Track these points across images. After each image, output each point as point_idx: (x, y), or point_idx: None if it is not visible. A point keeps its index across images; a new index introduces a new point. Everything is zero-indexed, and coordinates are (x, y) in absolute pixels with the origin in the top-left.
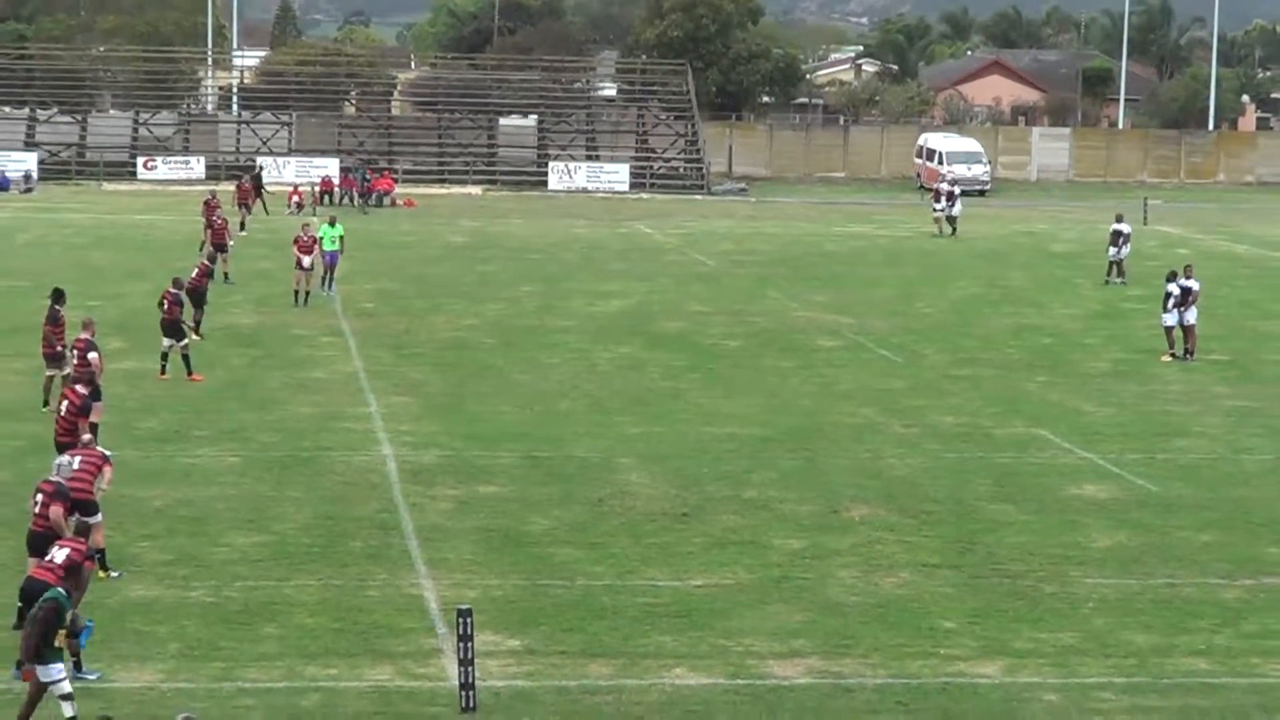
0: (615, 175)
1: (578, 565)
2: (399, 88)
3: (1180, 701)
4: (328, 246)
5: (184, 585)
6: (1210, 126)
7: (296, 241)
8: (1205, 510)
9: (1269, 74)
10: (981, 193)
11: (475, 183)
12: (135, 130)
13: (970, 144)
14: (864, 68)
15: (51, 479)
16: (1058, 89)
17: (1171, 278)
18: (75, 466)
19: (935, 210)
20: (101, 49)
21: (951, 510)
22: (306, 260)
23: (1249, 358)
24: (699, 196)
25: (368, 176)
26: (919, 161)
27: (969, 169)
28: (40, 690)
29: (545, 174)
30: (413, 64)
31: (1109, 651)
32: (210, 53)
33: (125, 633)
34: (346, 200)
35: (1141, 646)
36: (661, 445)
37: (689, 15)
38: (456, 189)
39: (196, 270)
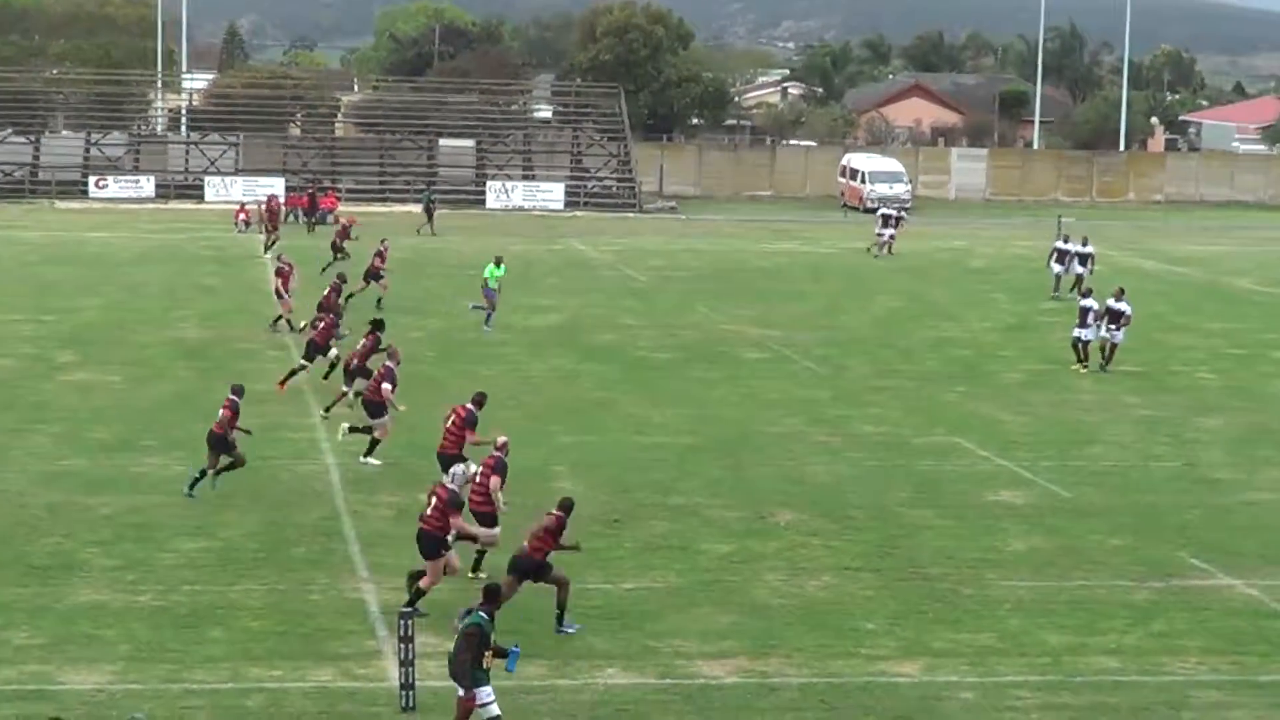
0: (550, 194)
1: None
2: (342, 110)
3: (1091, 699)
4: (492, 285)
5: (132, 590)
6: (1121, 147)
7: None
8: (1116, 515)
9: (1177, 97)
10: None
11: (416, 201)
12: (87, 150)
13: (892, 164)
14: (790, 91)
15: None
16: (976, 111)
17: (1086, 294)
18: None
19: (880, 235)
20: (55, 72)
21: (873, 515)
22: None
23: (1158, 368)
24: (631, 215)
25: (315, 195)
26: (843, 180)
27: (891, 188)
28: (469, 712)
29: (483, 193)
30: (356, 87)
31: (1024, 651)
32: (160, 76)
33: (75, 636)
34: (292, 218)
35: (1055, 646)
36: (594, 454)
37: (622, 40)
38: (397, 208)
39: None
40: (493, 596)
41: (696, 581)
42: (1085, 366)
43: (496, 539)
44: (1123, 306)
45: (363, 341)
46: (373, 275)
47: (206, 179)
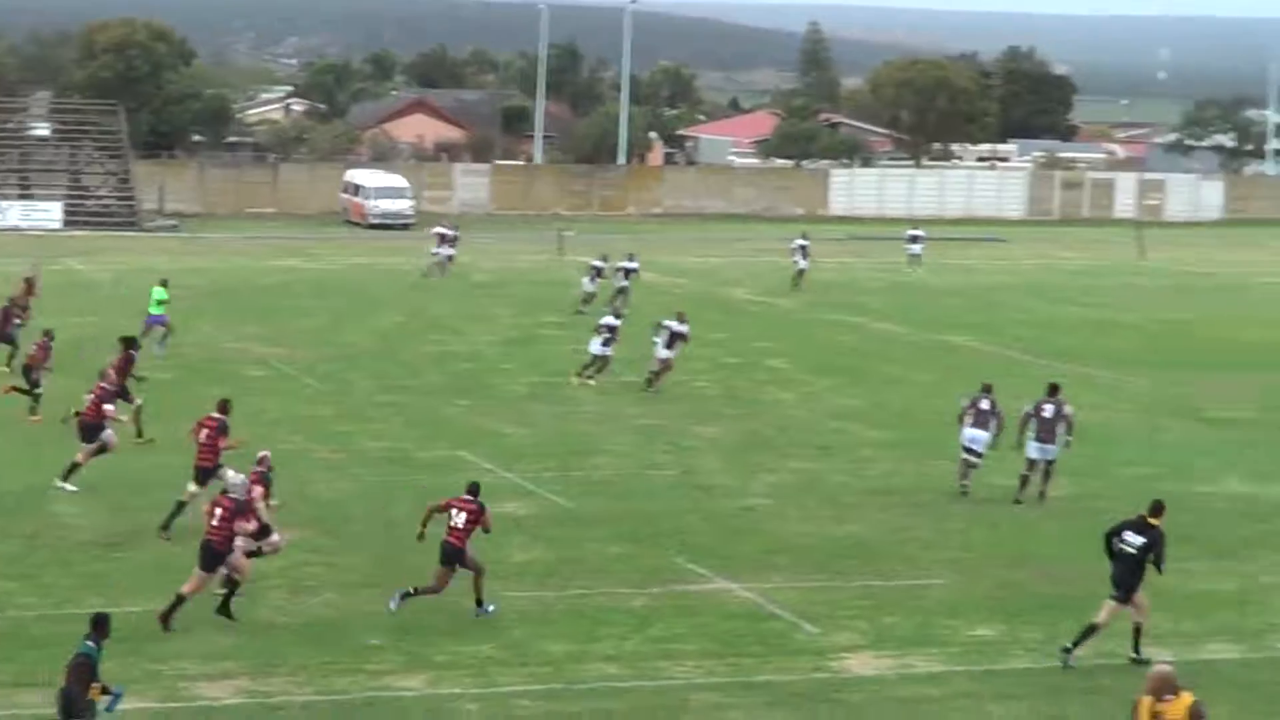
0: (48, 213)
1: (8, 597)
2: None
3: (592, 705)
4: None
5: None
6: (621, 161)
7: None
8: (616, 523)
9: (675, 112)
10: (405, 226)
11: None
12: None
13: (395, 179)
14: (294, 107)
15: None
16: (479, 127)
17: (616, 313)
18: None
19: (435, 254)
20: None
21: (376, 531)
22: None
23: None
24: (131, 233)
25: None
26: (345, 196)
27: (393, 203)
28: None
29: None
30: None
31: (526, 661)
32: None
33: None
34: None
35: (557, 655)
36: (95, 476)
37: (121, 57)
38: None
39: None
40: (101, 626)
41: (198, 603)
42: (589, 379)
43: (279, 545)
44: (683, 328)
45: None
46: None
47: None
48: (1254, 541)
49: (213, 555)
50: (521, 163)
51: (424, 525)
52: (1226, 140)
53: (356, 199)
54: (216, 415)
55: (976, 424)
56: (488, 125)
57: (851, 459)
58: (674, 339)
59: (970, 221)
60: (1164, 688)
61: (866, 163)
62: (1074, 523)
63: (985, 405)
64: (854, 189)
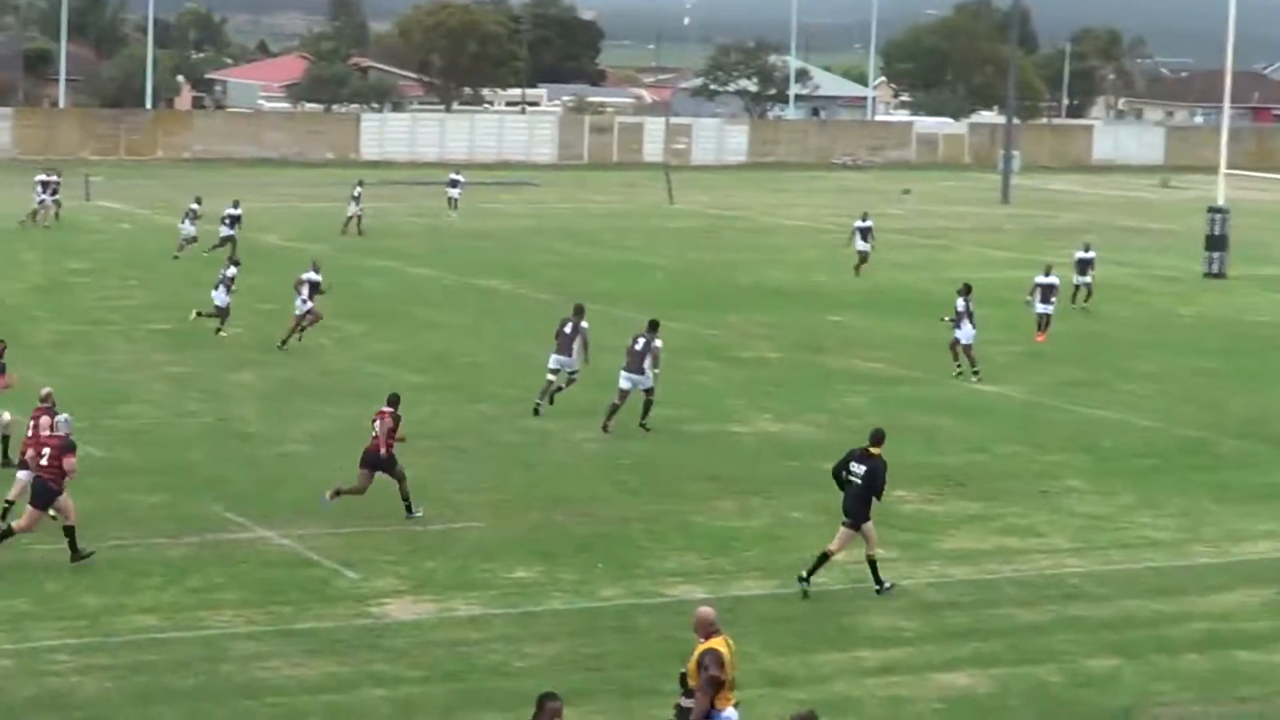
0: None
1: None
2: None
3: (130, 658)
4: None
5: None
6: (148, 105)
7: None
8: (152, 473)
9: (203, 55)
10: None
11: None
12: None
13: None
14: None
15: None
16: (1, 70)
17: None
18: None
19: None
20: None
21: None
22: None
23: (186, 326)
24: None
25: None
26: None
27: None
28: None
29: None
30: None
31: (61, 615)
32: None
33: None
34: None
35: (93, 608)
36: None
37: None
38: None
39: None
40: None
41: None
42: (221, 333)
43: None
44: (318, 277)
45: None
46: None
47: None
48: (783, 479)
49: (46, 492)
50: (45, 107)
51: None
52: (751, 85)
53: None
54: None
55: (631, 366)
56: (9, 68)
57: None
58: (313, 290)
59: (502, 166)
60: (700, 628)
61: (397, 107)
62: (606, 465)
63: (639, 346)
64: (385, 134)
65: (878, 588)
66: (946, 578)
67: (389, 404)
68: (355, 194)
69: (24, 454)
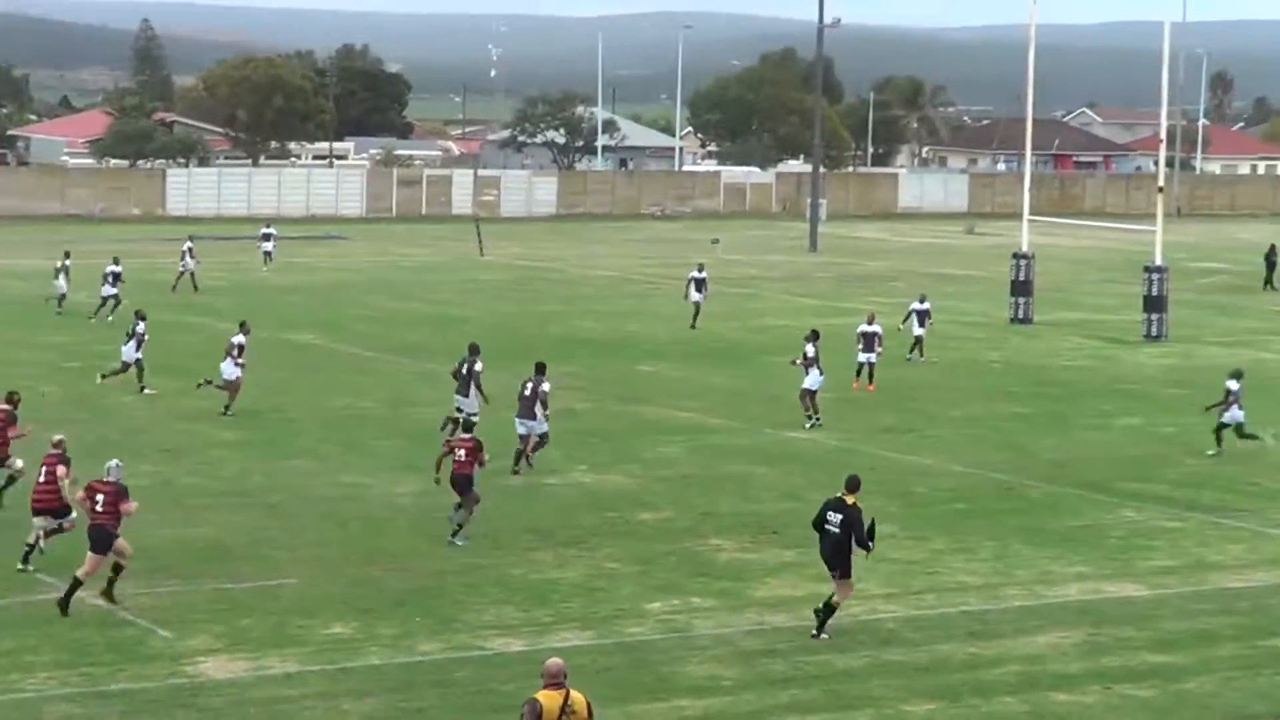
0: None
1: None
2: None
3: None
4: None
5: None
6: None
7: None
8: None
9: (4, 111)
10: None
11: None
12: None
13: None
14: None
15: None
16: None
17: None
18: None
19: None
20: None
21: None
22: None
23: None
24: None
25: None
26: None
27: None
28: None
29: None
30: None
31: None
32: None
33: None
34: None
35: None
36: None
37: None
38: None
39: None
40: None
41: None
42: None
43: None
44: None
45: None
46: None
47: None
48: (600, 530)
49: (105, 537)
50: None
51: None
52: (558, 137)
53: None
54: (4, 406)
55: (523, 412)
56: None
57: (201, 460)
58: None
59: (310, 220)
60: (544, 677)
61: (204, 162)
62: (422, 519)
63: (528, 391)
64: (192, 188)
65: (815, 632)
66: (763, 625)
67: (466, 429)
68: (187, 248)
69: (35, 500)
